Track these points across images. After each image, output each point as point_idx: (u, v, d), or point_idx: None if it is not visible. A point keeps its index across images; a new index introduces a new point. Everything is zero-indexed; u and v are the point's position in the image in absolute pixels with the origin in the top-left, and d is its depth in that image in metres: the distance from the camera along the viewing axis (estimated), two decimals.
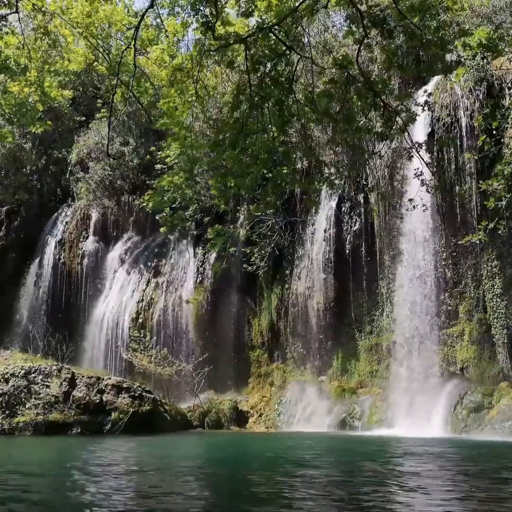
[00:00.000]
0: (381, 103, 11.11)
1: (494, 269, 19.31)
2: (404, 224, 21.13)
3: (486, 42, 16.66)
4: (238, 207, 25.51)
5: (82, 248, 29.11)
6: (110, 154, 27.87)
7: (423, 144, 12.69)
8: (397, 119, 11.51)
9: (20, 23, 15.49)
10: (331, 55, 13.04)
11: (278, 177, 12.22)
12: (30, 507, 7.25)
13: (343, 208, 23.49)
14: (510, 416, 17.34)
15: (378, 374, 21.78)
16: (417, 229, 20.82)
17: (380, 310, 22.14)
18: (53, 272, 28.80)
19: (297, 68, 11.77)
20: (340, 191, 22.80)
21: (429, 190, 13.62)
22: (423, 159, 12.38)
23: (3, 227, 30.75)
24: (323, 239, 23.56)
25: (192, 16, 11.31)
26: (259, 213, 21.69)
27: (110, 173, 29.57)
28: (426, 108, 13.43)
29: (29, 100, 17.36)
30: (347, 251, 23.04)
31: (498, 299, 19.12)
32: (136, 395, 19.29)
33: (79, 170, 30.82)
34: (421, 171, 12.42)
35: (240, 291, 25.65)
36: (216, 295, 25.81)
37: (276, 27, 10.74)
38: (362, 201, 23.02)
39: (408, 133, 12.01)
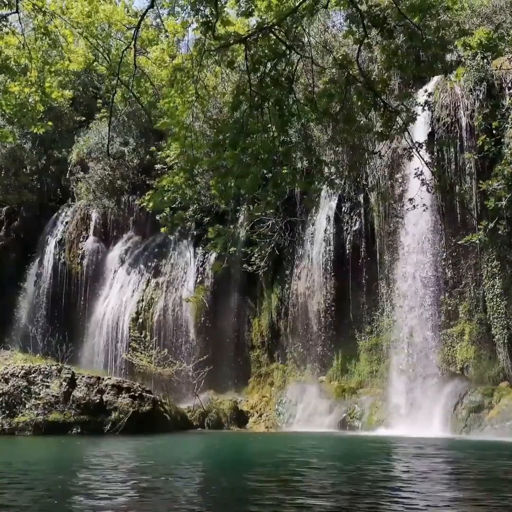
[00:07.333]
0: (381, 103, 11.11)
1: (494, 269, 19.31)
2: (404, 224, 21.14)
3: (486, 42, 16.62)
4: (238, 207, 25.51)
5: (82, 248, 29.11)
6: (110, 154, 27.88)
7: (423, 144, 12.70)
8: (397, 119, 11.51)
9: (20, 23, 15.48)
10: (331, 55, 13.03)
11: (278, 177, 12.21)
12: (30, 508, 7.25)
13: (343, 208, 23.49)
14: (510, 416, 17.33)
15: (378, 374, 21.78)
16: (417, 229, 20.82)
17: (380, 310, 22.14)
18: (53, 272, 28.81)
19: (297, 68, 11.77)
20: (340, 191, 22.80)
21: (429, 190, 13.63)
22: (423, 159, 12.39)
23: (3, 227, 30.77)
24: (323, 239, 23.56)
25: (192, 16, 11.28)
26: (259, 213, 21.70)
27: (110, 173, 29.57)
28: (426, 108, 13.43)
29: (30, 101, 17.32)
30: (347, 251, 23.04)
31: (498, 299, 19.12)
32: (136, 395, 19.29)
33: (79, 170, 30.81)
34: (421, 171, 12.44)
35: (240, 291, 25.65)
36: (216, 295, 25.82)
37: (276, 27, 10.74)
38: (362, 201, 23.02)
39: (408, 133, 12.01)
